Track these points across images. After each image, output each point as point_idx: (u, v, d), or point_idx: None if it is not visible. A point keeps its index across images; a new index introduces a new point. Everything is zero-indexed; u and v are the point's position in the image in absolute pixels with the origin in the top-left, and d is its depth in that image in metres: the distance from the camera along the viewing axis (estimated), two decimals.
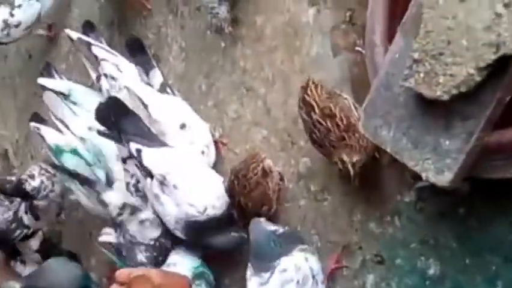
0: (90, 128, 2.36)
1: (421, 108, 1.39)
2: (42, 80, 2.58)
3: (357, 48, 1.90)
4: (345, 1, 1.94)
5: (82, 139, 2.40)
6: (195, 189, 2.06)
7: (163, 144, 2.14)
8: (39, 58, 3.32)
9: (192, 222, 2.03)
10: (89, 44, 2.41)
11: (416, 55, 1.34)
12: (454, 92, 1.28)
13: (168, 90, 2.33)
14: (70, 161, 2.46)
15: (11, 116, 3.58)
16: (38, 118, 2.76)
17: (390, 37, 1.58)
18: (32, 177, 2.62)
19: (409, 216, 1.72)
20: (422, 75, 1.33)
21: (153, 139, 2.13)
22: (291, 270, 1.72)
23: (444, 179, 1.35)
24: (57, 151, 2.50)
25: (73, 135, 2.44)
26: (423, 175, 1.38)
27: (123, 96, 2.23)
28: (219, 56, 2.31)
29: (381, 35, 1.60)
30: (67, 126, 2.48)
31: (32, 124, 2.65)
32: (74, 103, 2.50)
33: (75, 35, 2.46)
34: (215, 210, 2.02)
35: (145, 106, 2.19)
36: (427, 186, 1.52)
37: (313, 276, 1.73)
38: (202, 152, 2.19)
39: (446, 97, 1.29)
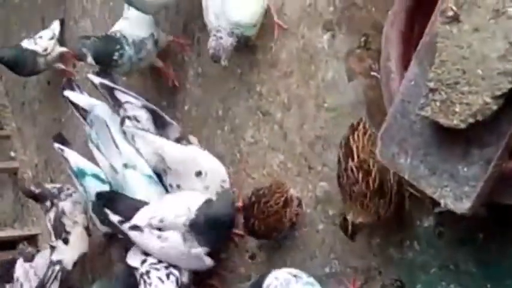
0: (125, 165, 2.41)
1: (438, 135, 1.39)
2: (68, 93, 2.63)
3: (372, 73, 1.91)
4: (360, 26, 1.95)
5: (114, 169, 2.43)
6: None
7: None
8: (58, 85, 3.36)
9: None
10: (111, 89, 2.45)
11: (431, 84, 1.34)
12: (471, 120, 1.29)
13: (184, 142, 2.37)
14: (92, 184, 2.52)
15: (30, 141, 3.63)
16: (61, 139, 2.82)
17: (405, 64, 1.59)
18: None
19: (429, 241, 1.72)
20: (438, 104, 1.33)
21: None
22: None
23: (462, 206, 1.36)
24: (80, 174, 2.56)
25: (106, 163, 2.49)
26: (442, 202, 1.39)
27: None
28: (235, 82, 2.33)
29: (397, 61, 1.62)
30: (102, 154, 2.51)
31: (56, 145, 2.70)
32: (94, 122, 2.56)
33: (97, 80, 2.49)
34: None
35: (163, 158, 2.26)
36: (446, 211, 1.52)
37: None
38: (217, 194, 2.23)
39: (462, 126, 1.30)
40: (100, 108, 2.52)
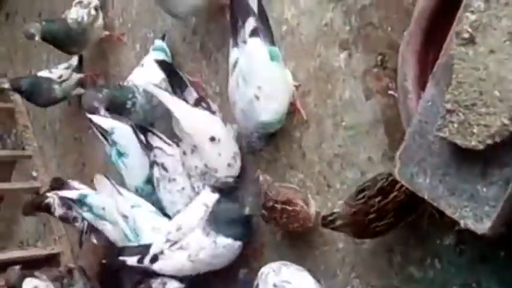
0: (132, 206, 2.50)
1: (456, 156, 1.40)
2: (91, 116, 2.68)
3: (389, 91, 1.92)
4: (376, 45, 1.97)
5: (125, 217, 2.50)
6: None
7: None
8: (77, 105, 3.42)
9: None
10: (146, 130, 2.48)
11: (449, 105, 1.35)
12: (489, 141, 1.29)
13: (203, 104, 2.40)
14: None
15: (51, 161, 3.69)
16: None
17: (422, 84, 1.61)
18: None
19: (449, 259, 1.72)
20: (456, 125, 1.34)
21: None
22: None
23: (483, 226, 1.36)
24: (81, 197, 2.67)
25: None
26: (462, 222, 1.39)
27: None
28: None
29: (413, 81, 1.63)
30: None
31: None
32: (115, 142, 2.61)
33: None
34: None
35: (177, 120, 2.27)
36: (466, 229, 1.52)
37: None
38: (229, 165, 2.27)
39: (481, 147, 1.31)
40: (120, 129, 2.57)
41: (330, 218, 1.82)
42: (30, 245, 3.74)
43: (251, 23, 2.04)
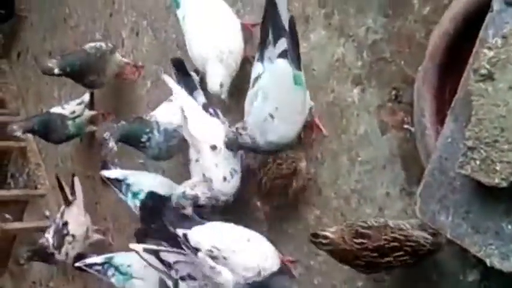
0: None
1: (479, 193, 1.38)
2: (104, 172, 2.70)
3: (405, 125, 1.91)
4: (390, 80, 1.96)
5: None
6: (244, 256, 2.11)
7: (201, 222, 2.24)
8: (90, 142, 3.43)
9: (249, 284, 2.10)
10: (156, 252, 2.38)
11: (470, 143, 1.34)
12: None
13: (211, 111, 2.37)
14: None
15: None
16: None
17: (439, 119, 1.60)
18: None
19: None
20: (478, 162, 1.33)
21: (193, 221, 2.24)
22: None
23: (509, 264, 1.34)
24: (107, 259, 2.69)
25: None
26: (487, 261, 1.37)
27: None
28: None
29: (431, 117, 1.62)
30: None
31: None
32: (129, 185, 2.59)
33: (139, 247, 2.40)
34: (268, 270, 2.10)
35: (185, 118, 2.24)
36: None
37: None
38: (224, 178, 2.22)
39: (504, 184, 1.29)
40: (135, 177, 2.59)
41: (322, 241, 1.80)
42: (42, 286, 3.71)
43: (283, 43, 1.99)
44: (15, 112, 4.18)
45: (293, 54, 1.99)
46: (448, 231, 1.45)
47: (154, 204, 2.25)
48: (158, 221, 2.24)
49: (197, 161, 2.29)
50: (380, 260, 1.67)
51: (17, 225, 3.71)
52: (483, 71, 1.33)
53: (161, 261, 2.30)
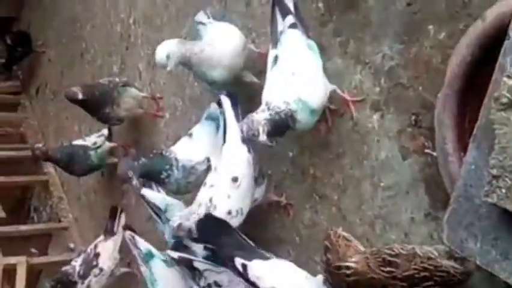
0: None
1: (506, 219, 1.39)
2: (145, 191, 2.65)
3: (426, 150, 1.92)
4: (409, 105, 1.98)
5: None
6: None
7: (263, 256, 2.12)
8: (112, 175, 3.46)
9: None
10: (190, 261, 2.40)
11: (494, 171, 1.35)
12: None
13: (250, 146, 2.26)
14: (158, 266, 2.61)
15: (88, 232, 3.71)
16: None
17: (461, 146, 1.61)
18: None
19: None
20: (503, 190, 1.33)
21: (254, 251, 2.13)
22: None
23: None
24: (149, 254, 2.64)
25: None
26: None
27: None
28: (288, 165, 2.37)
29: (453, 144, 1.63)
30: None
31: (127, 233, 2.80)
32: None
33: (175, 254, 2.42)
34: None
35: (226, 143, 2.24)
36: None
37: None
38: (228, 212, 2.18)
39: None
40: (175, 207, 2.58)
41: (346, 272, 1.79)
42: None
43: (290, 19, 2.08)
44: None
45: (302, 27, 2.07)
46: (476, 258, 1.45)
47: (212, 224, 2.19)
48: (213, 242, 2.17)
49: (211, 186, 2.25)
50: None
51: (43, 259, 3.75)
52: (504, 100, 1.35)
53: (193, 268, 2.31)
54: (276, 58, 2.08)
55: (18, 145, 4.32)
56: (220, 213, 2.16)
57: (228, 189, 2.19)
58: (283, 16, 2.10)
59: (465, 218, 1.48)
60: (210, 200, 2.20)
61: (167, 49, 2.24)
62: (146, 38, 3.27)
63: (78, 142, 3.33)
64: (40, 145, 3.40)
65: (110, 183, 3.54)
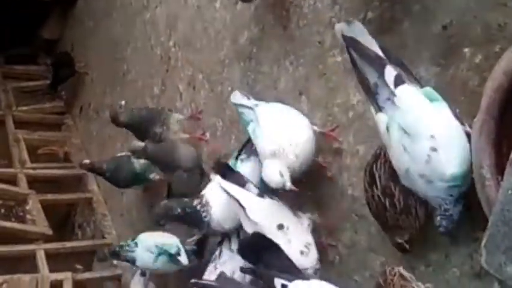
0: None
1: None
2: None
3: None
4: None
5: None
6: None
7: (305, 277, 2.13)
8: (152, 192, 3.55)
9: None
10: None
11: None
12: None
13: (268, 194, 2.40)
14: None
15: None
16: None
17: (499, 170, 1.63)
18: None
19: None
20: None
21: (296, 272, 2.13)
22: None
23: None
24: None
25: None
26: None
27: None
28: (327, 186, 2.40)
29: (490, 168, 1.64)
30: None
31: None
32: None
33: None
34: None
35: (243, 208, 2.31)
36: None
37: None
38: (301, 252, 2.23)
39: None
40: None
41: None
42: None
43: (390, 71, 1.76)
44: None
45: (407, 74, 1.78)
46: None
47: (256, 242, 2.25)
48: (255, 260, 2.21)
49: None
50: None
51: (87, 275, 3.86)
52: None
53: None
54: (388, 127, 1.78)
55: (63, 164, 4.47)
56: (296, 258, 2.18)
57: (282, 237, 2.24)
58: (380, 72, 1.75)
59: (503, 242, 1.50)
60: None
61: (277, 168, 2.19)
62: (186, 60, 3.36)
63: (121, 154, 3.45)
64: (87, 161, 3.52)
65: (151, 201, 3.63)
